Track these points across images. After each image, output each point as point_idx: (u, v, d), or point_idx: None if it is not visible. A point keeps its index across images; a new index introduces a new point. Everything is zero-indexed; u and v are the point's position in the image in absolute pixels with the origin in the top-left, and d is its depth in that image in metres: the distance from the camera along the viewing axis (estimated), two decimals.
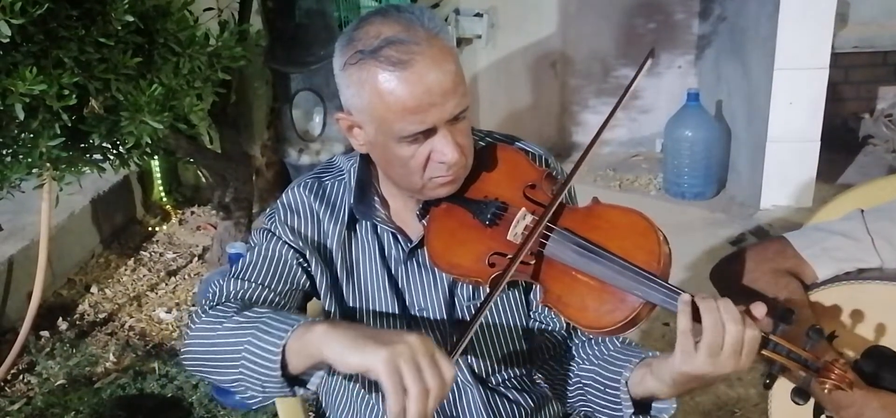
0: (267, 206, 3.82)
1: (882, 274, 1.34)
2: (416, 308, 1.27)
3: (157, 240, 3.75)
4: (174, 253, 3.63)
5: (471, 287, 1.25)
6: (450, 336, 1.26)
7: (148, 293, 3.31)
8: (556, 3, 4.31)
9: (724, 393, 2.57)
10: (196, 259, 3.56)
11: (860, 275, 1.35)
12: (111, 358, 2.86)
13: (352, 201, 1.27)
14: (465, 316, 1.27)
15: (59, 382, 2.73)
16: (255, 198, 3.42)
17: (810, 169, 3.56)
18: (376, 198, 1.28)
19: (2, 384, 2.73)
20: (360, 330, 1.00)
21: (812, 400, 1.36)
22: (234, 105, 3.29)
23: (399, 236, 1.26)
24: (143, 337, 3.02)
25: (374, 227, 1.27)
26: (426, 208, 1.24)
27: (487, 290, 1.15)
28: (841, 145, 4.12)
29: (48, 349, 2.91)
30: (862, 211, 1.41)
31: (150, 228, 3.83)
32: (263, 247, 1.27)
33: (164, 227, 3.85)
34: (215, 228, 3.60)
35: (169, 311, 3.17)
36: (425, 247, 1.22)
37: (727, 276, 1.40)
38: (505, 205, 1.19)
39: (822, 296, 1.35)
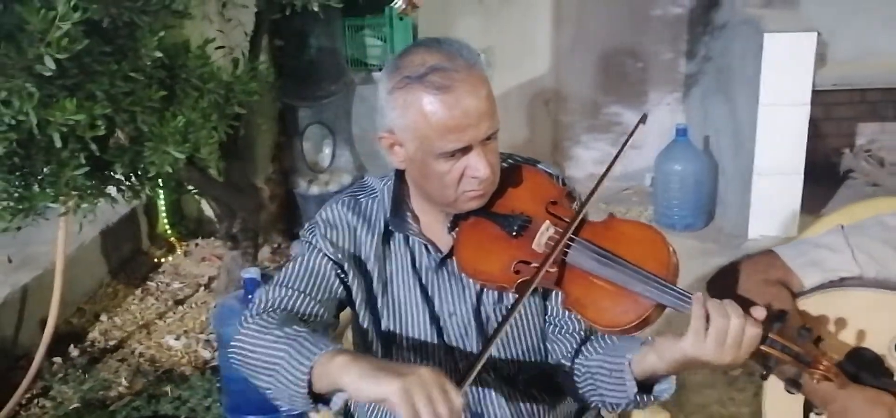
0: (270, 239, 3.93)
1: (862, 281, 1.48)
2: (446, 313, 1.39)
3: (164, 271, 3.84)
4: (181, 282, 3.72)
5: (497, 293, 1.38)
6: (476, 338, 1.39)
7: (156, 321, 3.40)
8: (550, 44, 4.49)
9: (717, 411, 2.68)
10: (202, 288, 3.65)
11: (842, 283, 1.49)
12: (123, 382, 2.94)
13: (387, 215, 1.39)
14: (491, 319, 1.39)
15: (73, 406, 2.81)
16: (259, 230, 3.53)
17: (795, 201, 3.71)
18: (409, 213, 1.40)
19: (17, 408, 2.80)
20: (377, 363, 1.10)
21: (802, 399, 1.49)
22: (241, 139, 3.41)
23: (430, 247, 1.38)
24: (153, 362, 3.10)
25: (407, 240, 1.39)
26: (455, 222, 1.37)
27: (513, 295, 1.28)
28: (823, 179, 4.27)
29: (61, 374, 2.98)
30: (842, 226, 1.55)
31: (155, 259, 3.92)
32: (305, 257, 1.39)
33: (170, 258, 3.94)
34: (220, 259, 3.70)
35: (177, 338, 3.25)
36: (455, 257, 1.35)
37: (723, 286, 1.53)
38: (529, 219, 1.32)
39: (809, 304, 1.48)
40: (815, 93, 3.59)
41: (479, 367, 1.14)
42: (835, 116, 4.35)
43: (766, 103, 3.57)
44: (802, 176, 3.68)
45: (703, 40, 4.31)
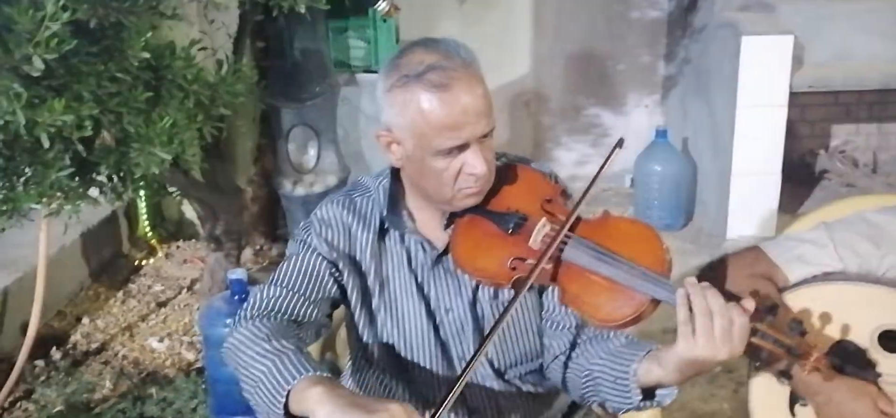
0: (252, 241, 3.92)
1: (845, 276, 1.52)
2: (442, 310, 1.41)
3: (145, 273, 3.82)
4: (162, 285, 3.70)
5: (492, 289, 1.40)
6: (472, 335, 1.41)
7: (139, 323, 3.38)
8: (530, 46, 4.53)
9: (699, 407, 2.72)
10: (185, 290, 3.64)
11: (826, 277, 1.53)
12: (107, 385, 2.93)
13: (383, 213, 1.41)
14: (487, 315, 1.41)
15: (57, 409, 2.79)
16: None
17: (772, 201, 3.78)
18: (404, 211, 1.42)
19: (1, 411, 2.77)
20: (351, 398, 1.11)
21: (787, 390, 1.53)
22: (223, 140, 3.40)
23: (426, 245, 1.40)
24: (136, 365, 3.09)
25: (402, 237, 1.41)
26: (451, 219, 1.39)
27: (509, 291, 1.31)
28: (800, 179, 4.35)
29: (44, 378, 2.96)
30: (824, 223, 1.60)
31: (136, 262, 3.89)
32: (299, 257, 1.40)
33: (151, 261, 3.92)
34: (202, 261, 3.68)
35: (161, 340, 3.24)
36: (451, 254, 1.36)
37: (710, 281, 1.56)
38: (525, 216, 1.35)
39: (794, 298, 1.52)
40: (791, 95, 3.66)
41: (452, 399, 1.13)
42: (810, 118, 4.43)
43: (743, 105, 3.63)
44: (780, 176, 3.75)
45: (682, 43, 4.38)
